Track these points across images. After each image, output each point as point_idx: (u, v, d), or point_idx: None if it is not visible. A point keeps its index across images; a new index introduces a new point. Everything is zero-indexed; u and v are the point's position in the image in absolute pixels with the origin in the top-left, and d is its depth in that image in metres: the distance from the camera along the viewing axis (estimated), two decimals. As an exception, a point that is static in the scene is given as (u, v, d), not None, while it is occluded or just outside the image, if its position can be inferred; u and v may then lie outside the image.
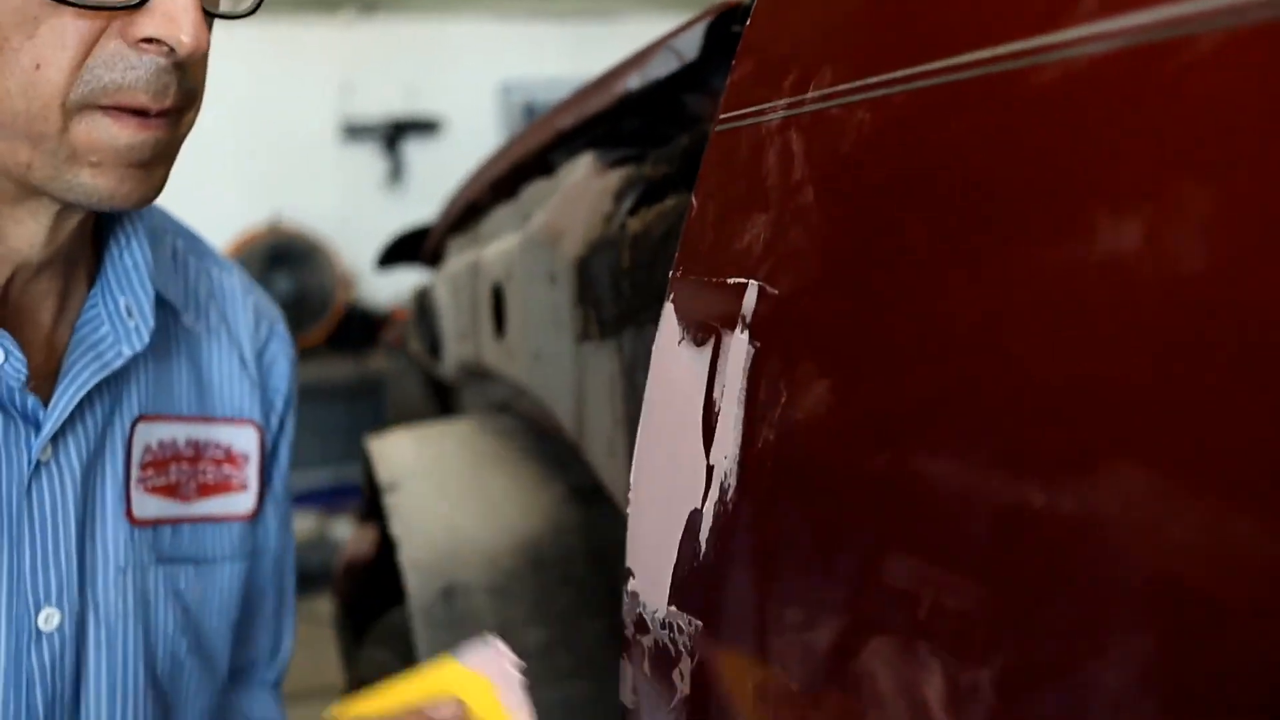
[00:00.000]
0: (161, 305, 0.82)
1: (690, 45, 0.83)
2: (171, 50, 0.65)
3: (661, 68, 0.88)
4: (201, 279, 0.88)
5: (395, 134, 4.60)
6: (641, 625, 0.54)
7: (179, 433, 0.85)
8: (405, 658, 1.11)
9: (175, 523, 0.84)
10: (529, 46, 4.80)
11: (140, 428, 0.81)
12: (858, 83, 0.45)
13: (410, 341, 1.70)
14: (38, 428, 0.74)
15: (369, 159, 4.62)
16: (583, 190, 0.92)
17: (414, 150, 4.66)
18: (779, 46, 0.53)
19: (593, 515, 1.10)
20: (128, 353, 0.77)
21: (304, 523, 4.30)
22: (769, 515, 0.45)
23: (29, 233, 0.71)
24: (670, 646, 0.51)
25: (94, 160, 0.68)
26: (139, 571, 0.81)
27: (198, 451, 0.86)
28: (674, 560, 0.50)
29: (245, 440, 0.88)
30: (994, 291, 0.36)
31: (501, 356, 1.08)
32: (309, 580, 4.05)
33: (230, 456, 0.88)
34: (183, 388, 0.86)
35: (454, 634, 0.99)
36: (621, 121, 0.98)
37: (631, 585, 0.56)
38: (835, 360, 0.42)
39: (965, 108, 0.39)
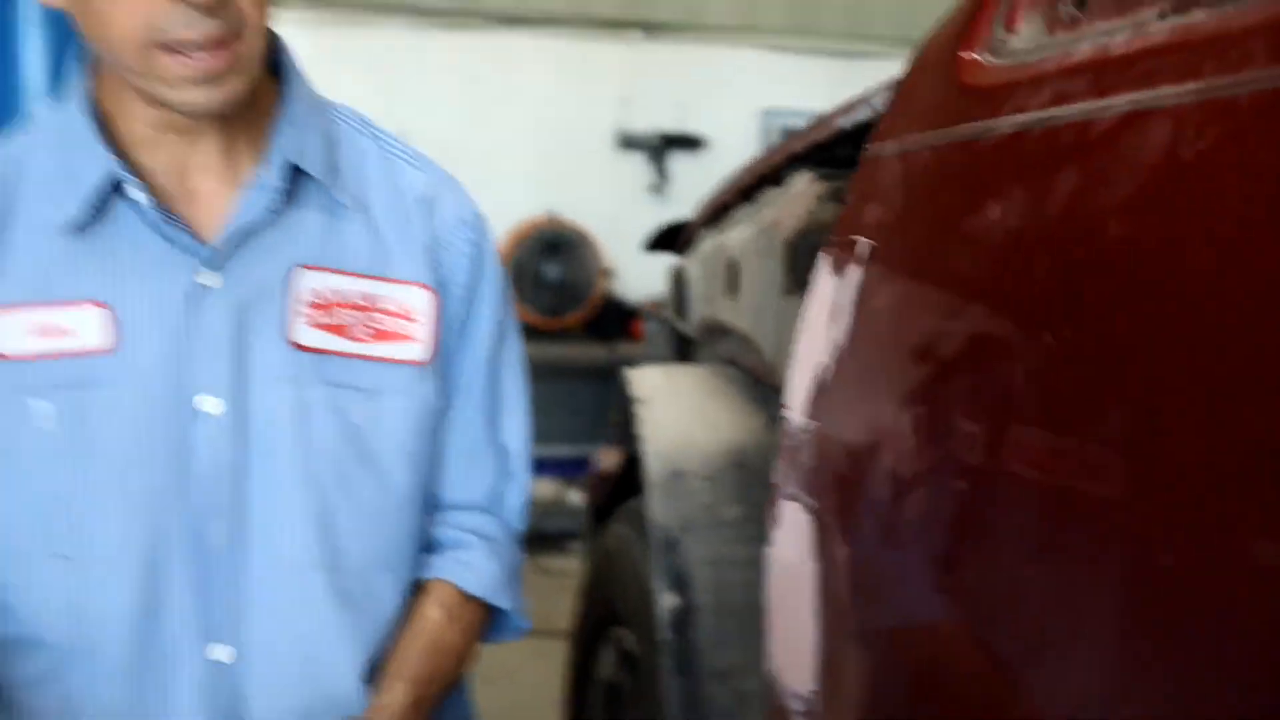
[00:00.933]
0: (313, 179, 0.99)
1: (881, 100, 1.21)
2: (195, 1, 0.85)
3: (862, 113, 1.25)
4: (390, 166, 1.05)
5: (663, 147, 5.07)
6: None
7: (349, 285, 1.01)
8: (638, 529, 1.52)
9: (344, 356, 1.00)
10: (791, 77, 5.17)
11: (306, 274, 0.99)
12: (948, 130, 0.82)
13: (665, 307, 2.12)
14: (200, 259, 0.95)
15: (638, 167, 5.11)
16: (799, 195, 1.30)
17: (679, 163, 5.12)
18: (908, 103, 0.91)
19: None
20: (265, 203, 0.96)
21: (545, 489, 4.80)
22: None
23: (181, 120, 0.93)
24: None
25: (170, 84, 0.89)
26: (297, 386, 0.98)
27: (370, 303, 1.01)
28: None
29: (417, 300, 1.03)
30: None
31: (731, 311, 1.48)
32: (547, 540, 4.56)
33: (404, 311, 1.03)
34: (359, 250, 1.01)
35: (678, 504, 1.40)
36: (835, 149, 1.36)
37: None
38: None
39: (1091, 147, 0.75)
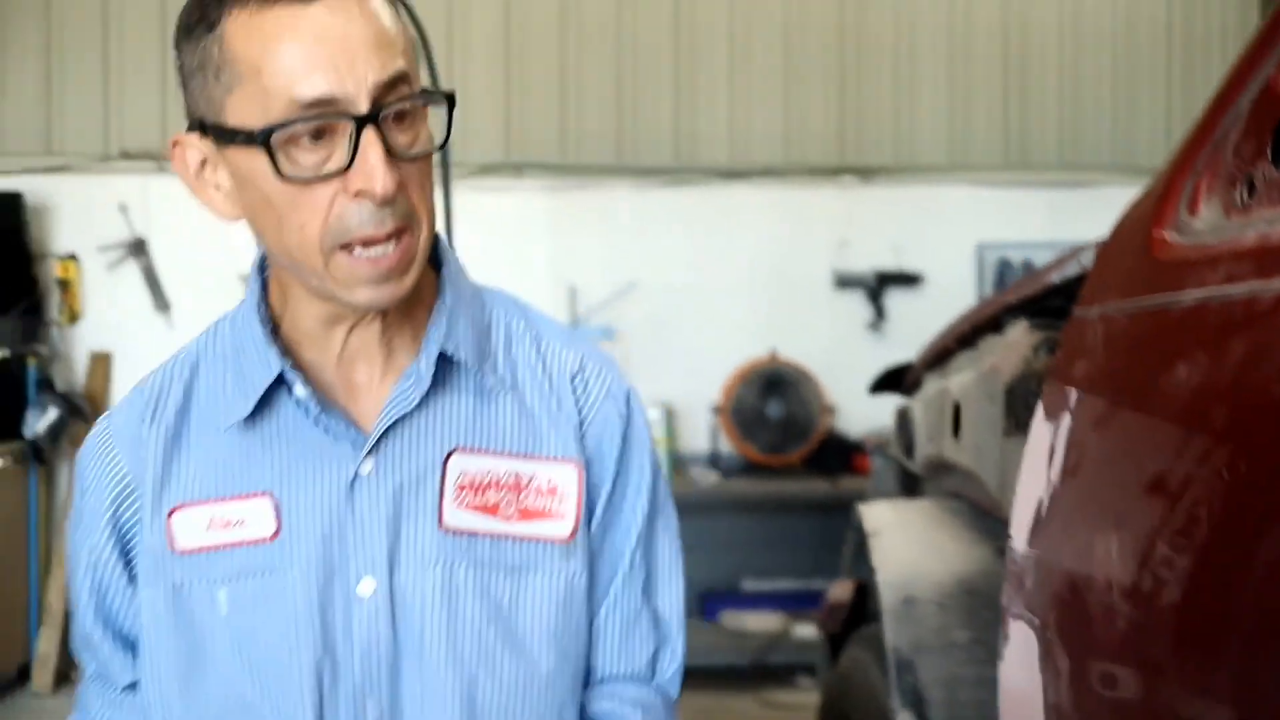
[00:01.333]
0: (466, 366, 1.04)
1: (1088, 258, 1.34)
2: (372, 195, 0.92)
3: (1071, 269, 1.39)
4: (539, 348, 1.10)
5: (880, 285, 5.22)
6: None
7: (500, 465, 1.05)
8: (874, 653, 1.64)
9: (493, 536, 1.04)
10: (1006, 210, 5.25)
11: (459, 457, 1.04)
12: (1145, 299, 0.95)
13: (891, 445, 2.26)
14: (356, 449, 1.02)
15: (856, 305, 5.26)
16: (1016, 344, 1.44)
17: (896, 300, 5.24)
18: (1108, 271, 1.05)
19: (1013, 571, 1.59)
20: (416, 399, 1.02)
21: (770, 623, 4.88)
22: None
23: (349, 317, 1.01)
24: None
25: (348, 285, 0.96)
26: (447, 568, 1.02)
27: (520, 482, 1.05)
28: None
29: (565, 476, 1.06)
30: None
31: (956, 450, 1.61)
32: (773, 674, 4.60)
33: (551, 489, 1.06)
34: (509, 430, 1.06)
35: (911, 628, 1.52)
36: (1047, 301, 1.49)
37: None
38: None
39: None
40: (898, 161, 5.32)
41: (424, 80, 1.02)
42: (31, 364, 4.82)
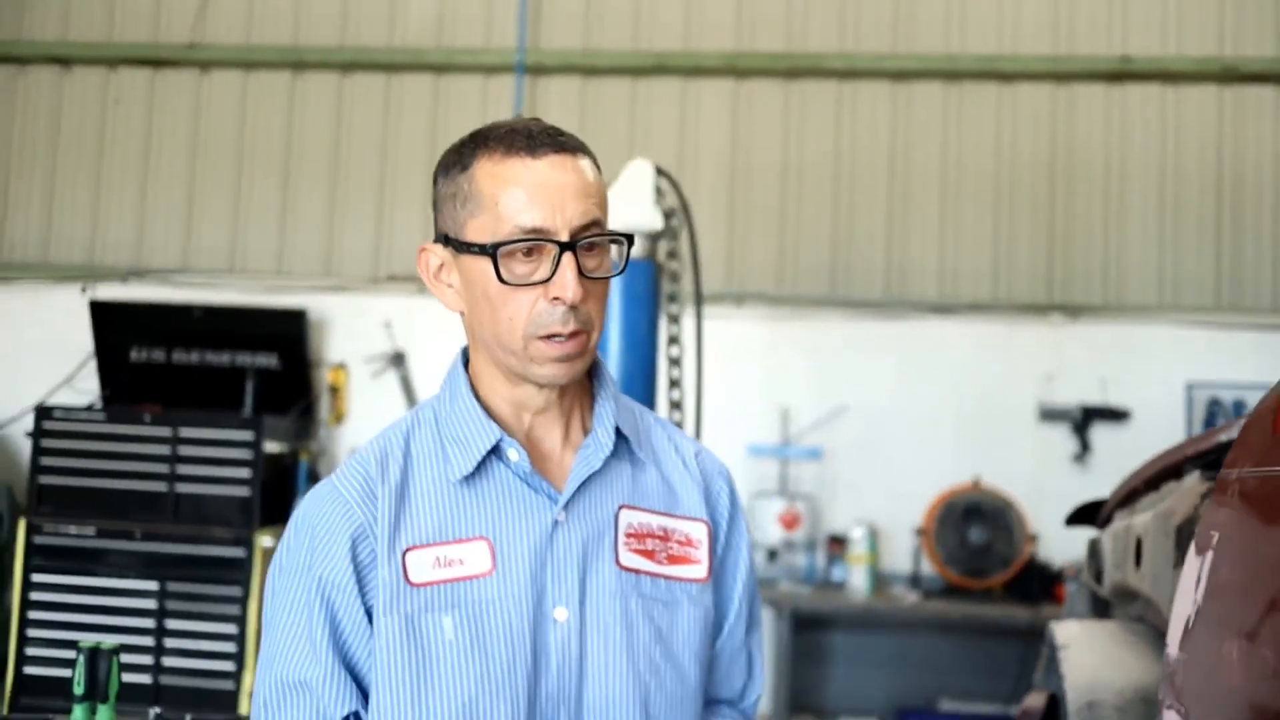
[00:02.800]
0: (627, 440, 1.36)
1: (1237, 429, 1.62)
2: (564, 300, 1.24)
3: (1236, 433, 1.66)
4: (665, 438, 1.44)
5: (1086, 420, 5.35)
6: None
7: (653, 520, 1.36)
8: (1063, 754, 1.90)
9: (652, 575, 1.33)
10: (1217, 350, 5.31)
11: (626, 511, 1.34)
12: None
13: (1083, 572, 2.50)
14: (555, 502, 1.30)
15: (1061, 438, 5.39)
16: (1188, 491, 1.72)
17: (1101, 435, 5.36)
18: (1246, 442, 1.34)
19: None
20: (602, 457, 1.33)
21: (972, 749, 4.98)
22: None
23: (531, 394, 1.33)
24: None
25: (539, 362, 1.28)
26: (623, 599, 1.30)
27: (667, 534, 1.35)
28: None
29: (698, 531, 1.38)
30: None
31: (1138, 579, 1.87)
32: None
33: (689, 540, 1.37)
34: (656, 493, 1.37)
35: (1088, 730, 1.78)
36: (1220, 454, 1.76)
37: None
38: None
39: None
40: (1106, 300, 5.48)
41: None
42: (303, 458, 5.47)
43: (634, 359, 2.61)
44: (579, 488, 1.32)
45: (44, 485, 5.07)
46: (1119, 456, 5.22)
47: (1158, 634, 1.93)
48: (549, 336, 1.26)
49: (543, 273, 1.25)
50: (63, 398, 5.65)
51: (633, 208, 2.60)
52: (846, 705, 5.31)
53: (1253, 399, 5.18)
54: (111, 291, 5.77)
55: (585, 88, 5.81)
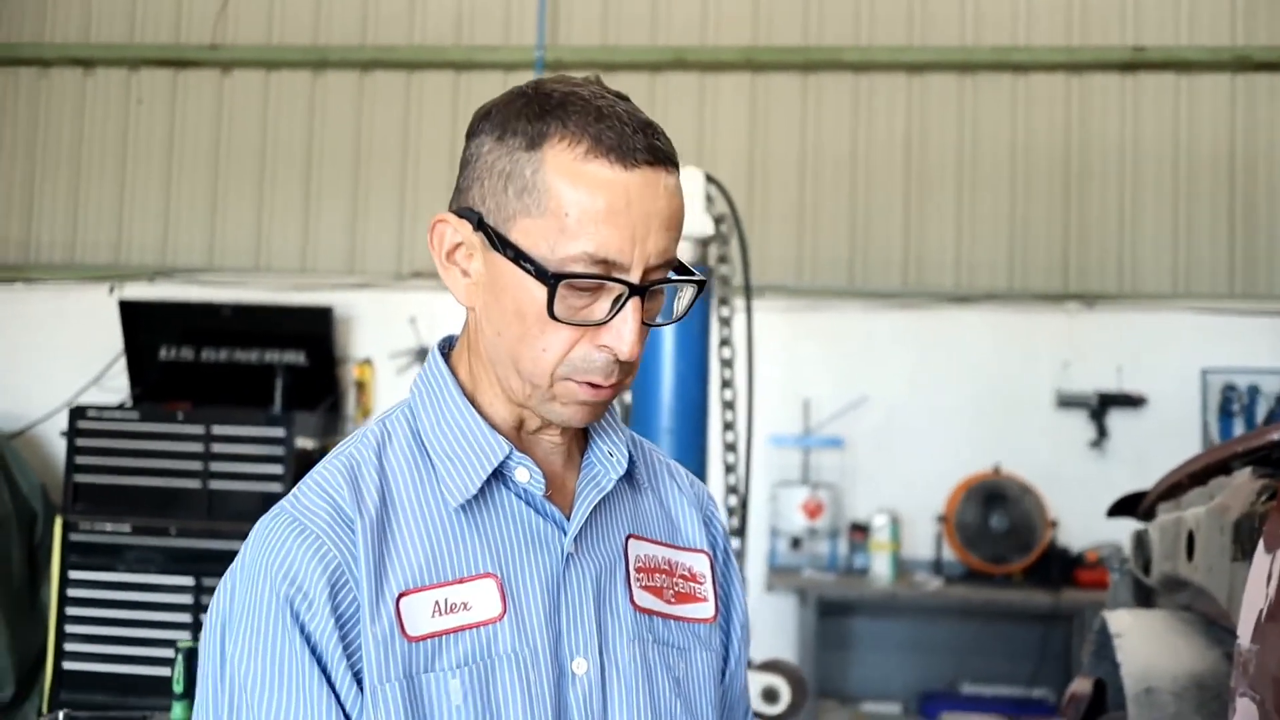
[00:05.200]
0: (631, 462, 1.14)
1: (1301, 425, 1.70)
2: (616, 354, 1.01)
3: (1289, 431, 1.75)
4: (658, 460, 1.25)
5: (1102, 407, 5.44)
6: None
7: (657, 552, 1.15)
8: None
9: (664, 616, 1.13)
10: (1231, 337, 5.37)
11: (632, 542, 1.13)
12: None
13: (1129, 561, 2.59)
14: (564, 531, 1.07)
15: (1078, 425, 5.47)
16: (1241, 488, 1.80)
17: (1117, 421, 5.44)
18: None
19: (1239, 673, 1.92)
20: (614, 477, 1.11)
21: (991, 729, 5.09)
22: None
23: (536, 421, 1.09)
24: None
25: (563, 403, 1.04)
26: (642, 645, 1.09)
27: (671, 568, 1.15)
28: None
29: (700, 564, 1.19)
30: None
31: (1190, 570, 1.96)
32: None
33: (693, 575, 1.18)
34: (656, 522, 1.18)
35: (1150, 713, 1.87)
36: (1271, 453, 1.84)
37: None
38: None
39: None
40: (1121, 288, 5.56)
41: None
42: (332, 453, 5.56)
43: (686, 362, 2.69)
44: (589, 515, 1.10)
45: (79, 484, 5.16)
46: (1136, 442, 5.34)
47: (1207, 622, 2.02)
48: (584, 382, 1.03)
49: (599, 313, 1.01)
50: (92, 397, 5.73)
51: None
52: (870, 690, 5.41)
53: (1268, 385, 5.27)
54: (139, 291, 5.84)
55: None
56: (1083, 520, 5.12)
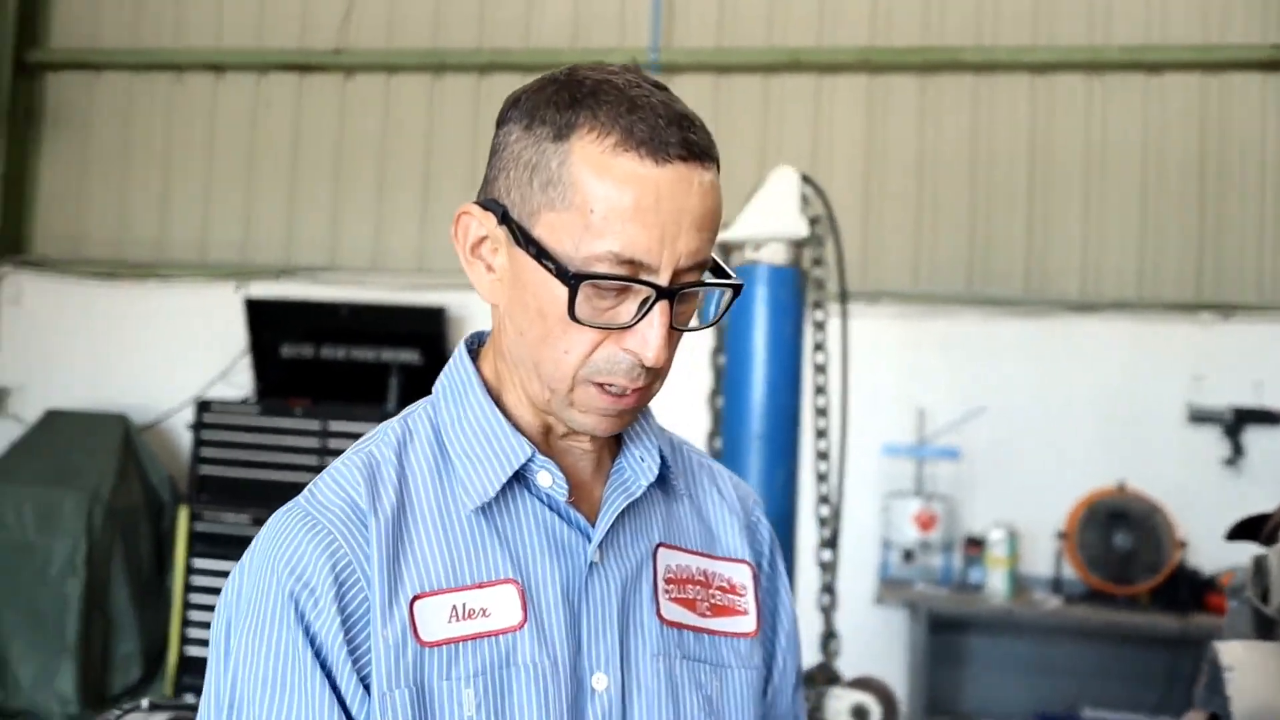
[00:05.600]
0: (664, 463, 1.08)
1: None
2: (641, 360, 0.96)
3: None
4: (695, 461, 1.18)
5: (1238, 422, 5.17)
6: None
7: (692, 562, 1.09)
8: (1225, 776, 1.86)
9: (695, 630, 1.06)
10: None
11: (661, 551, 1.07)
12: None
13: (1246, 588, 2.43)
14: (588, 538, 1.02)
15: (1210, 441, 5.21)
16: (1367, 514, 1.66)
17: (1254, 438, 5.17)
18: None
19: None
20: (644, 484, 1.05)
21: (1109, 757, 4.88)
22: None
23: (562, 426, 1.03)
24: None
25: (583, 410, 0.99)
26: (668, 660, 1.03)
27: (707, 579, 1.09)
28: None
29: (741, 575, 1.12)
30: None
31: (1310, 601, 1.82)
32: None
33: (732, 587, 1.10)
34: (692, 531, 1.11)
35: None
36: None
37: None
38: None
39: None
40: (1261, 299, 5.28)
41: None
42: (444, 452, 5.63)
43: (778, 367, 2.63)
44: (615, 521, 1.05)
45: (203, 475, 5.34)
46: (1275, 461, 5.05)
47: (1331, 658, 1.88)
48: (605, 385, 0.98)
49: (624, 315, 0.96)
50: (219, 392, 5.92)
51: (779, 215, 2.62)
52: (985, 709, 5.24)
53: None
54: (264, 289, 6.01)
55: (718, 86, 5.82)
56: (1215, 542, 4.80)
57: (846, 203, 5.60)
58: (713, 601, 1.09)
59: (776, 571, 1.19)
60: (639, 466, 1.07)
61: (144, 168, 6.37)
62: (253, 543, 1.01)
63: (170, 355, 6.11)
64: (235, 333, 5.92)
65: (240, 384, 5.97)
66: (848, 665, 2.95)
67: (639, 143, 0.94)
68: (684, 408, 4.36)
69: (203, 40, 6.35)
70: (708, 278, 1.00)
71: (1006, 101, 5.58)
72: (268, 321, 5.82)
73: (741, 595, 1.11)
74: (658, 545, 1.08)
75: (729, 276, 1.02)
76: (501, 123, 1.01)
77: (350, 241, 6.12)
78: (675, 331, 0.98)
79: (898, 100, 5.68)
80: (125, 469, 5.46)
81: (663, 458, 1.09)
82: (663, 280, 0.94)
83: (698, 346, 3.30)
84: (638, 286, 0.95)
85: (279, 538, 0.98)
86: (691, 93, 5.80)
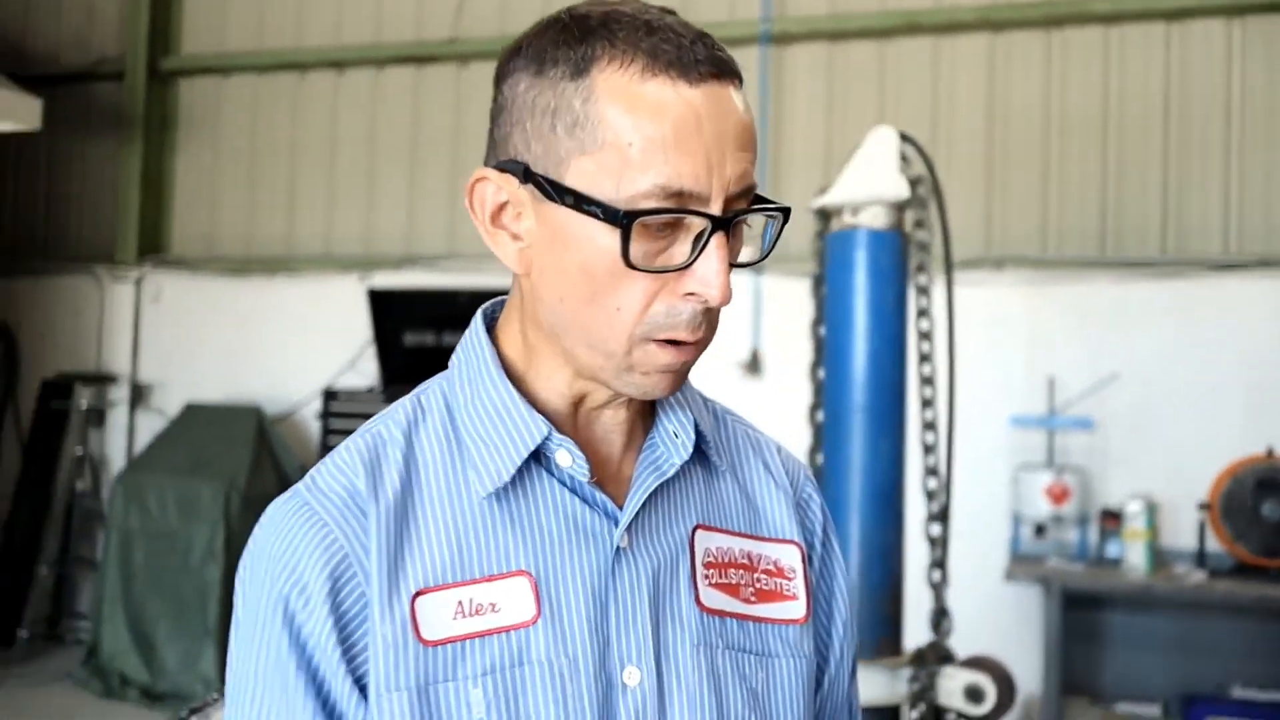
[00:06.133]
0: (703, 438, 1.00)
1: None
2: (705, 301, 0.88)
3: None
4: (740, 434, 1.08)
5: (1400, 383, 4.83)
6: None
7: (735, 544, 1.00)
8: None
9: (739, 618, 0.98)
10: None
11: (700, 534, 0.98)
12: None
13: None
14: (615, 522, 0.94)
15: (1369, 404, 4.90)
16: None
17: None
18: None
19: None
20: (677, 462, 0.97)
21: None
22: None
23: (601, 389, 0.95)
24: None
25: (644, 371, 0.90)
26: (709, 651, 0.95)
27: (752, 562, 1.00)
28: None
29: (790, 557, 1.03)
30: None
31: None
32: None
33: (780, 570, 1.02)
34: (735, 510, 1.02)
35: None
36: None
37: None
38: None
39: None
40: None
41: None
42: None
43: (880, 336, 2.54)
44: (645, 503, 0.96)
45: (332, 462, 5.47)
46: None
47: None
48: (668, 340, 0.90)
49: (678, 257, 0.88)
50: (348, 381, 6.07)
51: (877, 177, 2.52)
52: (1125, 689, 5.02)
53: None
54: (385, 279, 6.13)
55: (832, 54, 5.69)
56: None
57: (968, 167, 5.42)
58: (758, 586, 1.01)
59: (830, 552, 1.10)
60: (672, 443, 0.99)
61: (270, 166, 6.56)
62: (255, 528, 0.96)
63: (299, 347, 6.29)
64: (360, 323, 6.06)
65: (367, 373, 6.11)
66: (976, 644, 2.83)
67: (667, 64, 0.86)
68: (787, 379, 4.27)
69: (323, 39, 6.50)
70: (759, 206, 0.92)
71: (1138, 52, 5.31)
72: (390, 311, 5.93)
73: (790, 579, 1.03)
74: (696, 527, 0.99)
75: (770, 203, 0.92)
76: (503, 77, 0.93)
77: (467, 229, 6.19)
78: (730, 268, 0.90)
79: (1020, 58, 5.46)
80: (260, 459, 5.65)
81: (699, 431, 1.00)
82: (715, 209, 0.87)
83: (799, 316, 3.22)
84: (690, 220, 0.87)
85: (276, 529, 0.93)
86: (804, 62, 5.69)
